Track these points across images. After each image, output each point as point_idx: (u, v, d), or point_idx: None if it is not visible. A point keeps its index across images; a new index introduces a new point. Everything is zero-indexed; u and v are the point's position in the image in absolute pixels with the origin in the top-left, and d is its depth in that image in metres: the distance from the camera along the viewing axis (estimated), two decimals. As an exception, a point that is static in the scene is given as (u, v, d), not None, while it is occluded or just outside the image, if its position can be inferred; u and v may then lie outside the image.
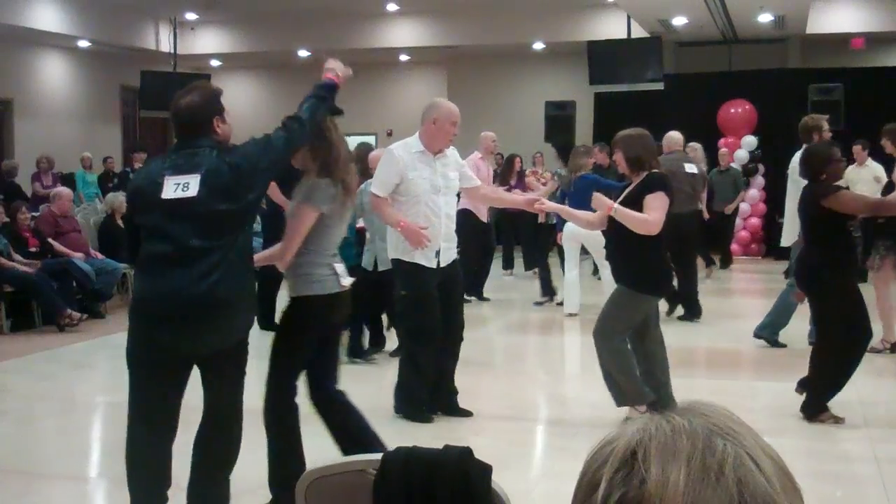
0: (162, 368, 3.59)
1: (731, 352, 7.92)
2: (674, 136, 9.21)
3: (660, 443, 0.78)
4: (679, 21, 14.62)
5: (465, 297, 9.98)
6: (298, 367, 4.09)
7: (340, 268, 4.11)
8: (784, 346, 7.51)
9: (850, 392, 6.19)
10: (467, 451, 2.02)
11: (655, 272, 5.36)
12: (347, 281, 4.12)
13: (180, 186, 3.51)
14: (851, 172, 9.43)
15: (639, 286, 5.26)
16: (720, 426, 0.80)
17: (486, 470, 1.94)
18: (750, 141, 14.28)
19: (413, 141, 5.48)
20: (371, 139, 17.01)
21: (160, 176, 3.56)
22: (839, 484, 4.78)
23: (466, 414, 5.65)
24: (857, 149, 10.20)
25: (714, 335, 8.58)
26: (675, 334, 8.58)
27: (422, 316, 5.39)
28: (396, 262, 5.48)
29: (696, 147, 10.33)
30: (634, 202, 5.17)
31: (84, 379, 7.35)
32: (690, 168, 9.05)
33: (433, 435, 4.99)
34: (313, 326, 4.07)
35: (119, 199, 10.83)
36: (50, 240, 9.42)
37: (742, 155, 14.07)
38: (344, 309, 4.18)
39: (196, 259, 3.49)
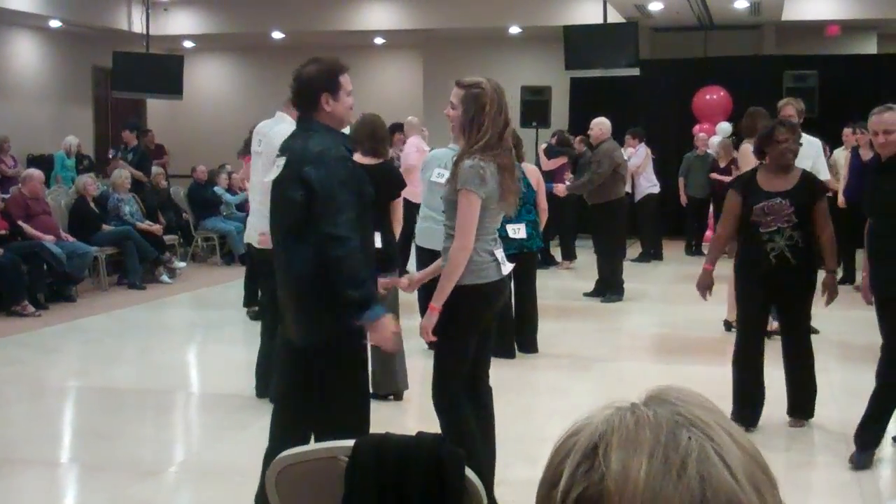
0: None
1: (704, 339, 7.95)
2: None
3: (622, 436, 0.75)
4: (655, 6, 14.62)
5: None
6: (465, 358, 3.84)
7: (500, 254, 3.85)
8: (817, 332, 7.46)
9: (822, 383, 6.24)
10: (440, 439, 2.01)
11: None
12: (508, 268, 3.86)
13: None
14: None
15: None
16: (687, 416, 0.77)
17: (459, 457, 1.93)
18: (725, 127, 14.32)
19: None
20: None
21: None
22: (810, 470, 4.83)
23: None
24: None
25: (688, 321, 8.62)
26: (650, 321, 8.64)
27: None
28: (248, 245, 5.56)
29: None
30: None
31: (54, 363, 7.27)
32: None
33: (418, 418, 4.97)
34: (475, 316, 3.81)
35: (84, 180, 10.71)
36: (20, 222, 9.27)
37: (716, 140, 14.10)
38: (503, 297, 3.97)
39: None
